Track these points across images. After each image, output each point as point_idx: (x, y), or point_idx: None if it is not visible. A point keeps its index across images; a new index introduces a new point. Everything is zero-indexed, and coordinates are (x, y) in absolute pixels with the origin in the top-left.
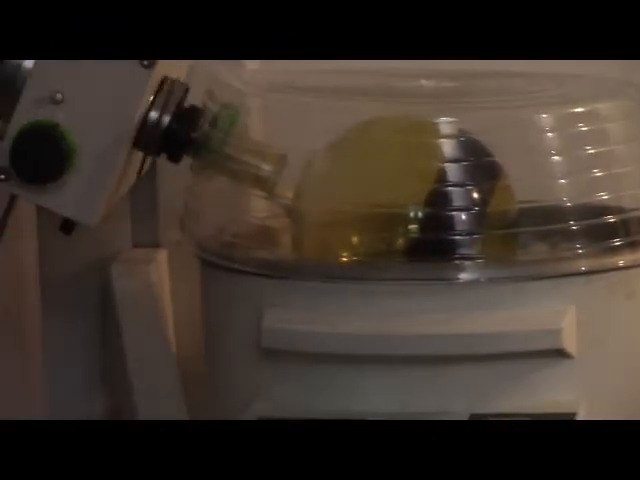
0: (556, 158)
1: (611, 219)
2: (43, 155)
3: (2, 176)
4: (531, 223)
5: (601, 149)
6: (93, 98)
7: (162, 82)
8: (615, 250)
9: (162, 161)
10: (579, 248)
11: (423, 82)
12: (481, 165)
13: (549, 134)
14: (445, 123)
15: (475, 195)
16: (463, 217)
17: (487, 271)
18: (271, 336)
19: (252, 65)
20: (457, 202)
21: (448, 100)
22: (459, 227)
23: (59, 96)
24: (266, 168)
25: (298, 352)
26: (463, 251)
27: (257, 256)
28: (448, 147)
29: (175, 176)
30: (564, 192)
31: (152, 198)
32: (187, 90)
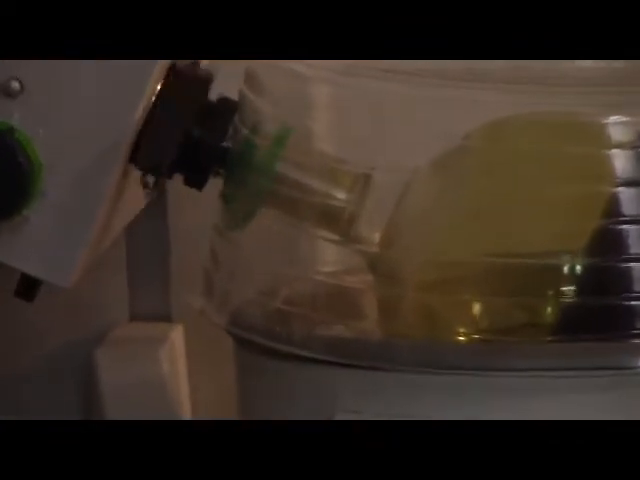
0: None
1: None
2: None
3: None
4: None
5: None
6: (69, 89)
7: (172, 67)
8: None
9: (175, 187)
10: None
11: (577, 62)
12: None
13: None
14: (617, 125)
15: None
16: None
17: None
18: None
19: None
20: (637, 248)
21: (618, 89)
22: None
23: (16, 85)
24: (339, 196)
25: None
26: None
27: (325, 334)
28: (622, 162)
29: (195, 211)
30: None
31: (160, 245)
32: (211, 78)
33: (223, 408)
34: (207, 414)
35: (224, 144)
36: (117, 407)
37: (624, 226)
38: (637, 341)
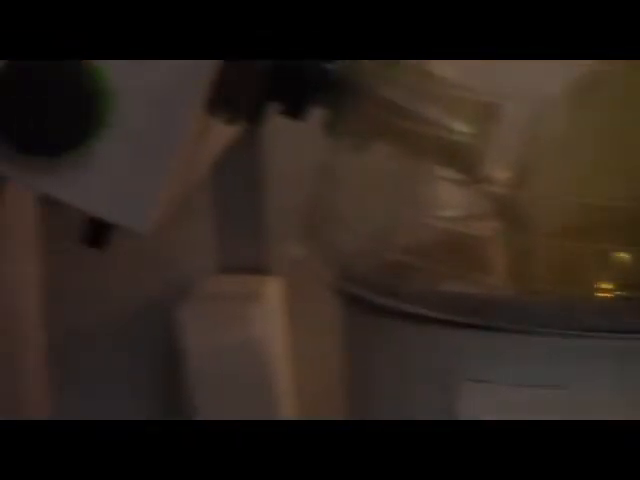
0: None
1: None
2: (55, 104)
3: None
4: None
5: None
6: None
7: None
8: None
9: (270, 119)
10: None
11: None
12: None
13: None
14: None
15: None
16: None
17: None
18: None
19: None
20: None
21: None
22: None
23: None
24: (462, 129)
25: None
26: None
27: (447, 289)
28: None
29: (294, 146)
30: None
31: (252, 186)
32: None
33: (327, 376)
34: (308, 384)
35: (327, 66)
36: (202, 375)
37: None
38: None
